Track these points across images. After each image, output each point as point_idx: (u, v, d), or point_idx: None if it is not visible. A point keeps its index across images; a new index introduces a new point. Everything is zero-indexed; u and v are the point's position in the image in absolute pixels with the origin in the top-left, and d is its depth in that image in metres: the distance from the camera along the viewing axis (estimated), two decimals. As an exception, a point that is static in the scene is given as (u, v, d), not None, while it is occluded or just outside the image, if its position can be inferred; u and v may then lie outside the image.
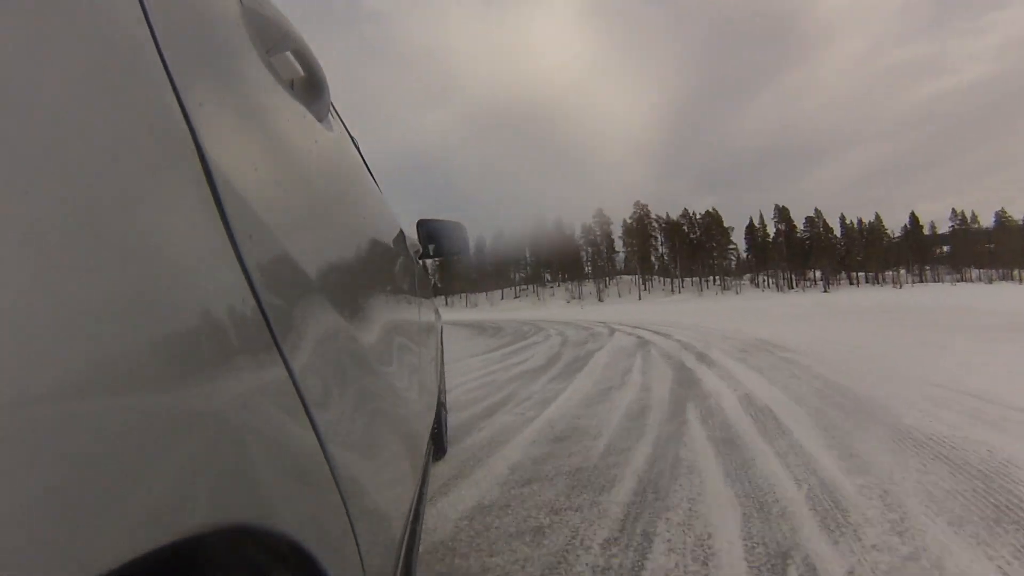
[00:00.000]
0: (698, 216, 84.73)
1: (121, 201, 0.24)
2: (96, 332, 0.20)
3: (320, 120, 0.69)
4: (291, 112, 0.55)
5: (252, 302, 0.33)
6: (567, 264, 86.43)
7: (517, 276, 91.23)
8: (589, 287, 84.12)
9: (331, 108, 0.85)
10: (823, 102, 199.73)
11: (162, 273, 0.25)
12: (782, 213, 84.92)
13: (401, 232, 1.37)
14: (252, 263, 0.34)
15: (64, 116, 0.22)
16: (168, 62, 0.30)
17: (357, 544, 0.44)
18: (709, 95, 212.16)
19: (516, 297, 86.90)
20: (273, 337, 0.35)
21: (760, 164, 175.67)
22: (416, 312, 1.34)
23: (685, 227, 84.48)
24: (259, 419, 0.31)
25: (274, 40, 0.53)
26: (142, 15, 0.29)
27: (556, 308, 47.73)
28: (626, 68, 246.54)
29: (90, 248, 0.21)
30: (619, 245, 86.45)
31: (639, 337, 8.51)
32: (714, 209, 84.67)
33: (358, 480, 0.49)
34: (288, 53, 0.58)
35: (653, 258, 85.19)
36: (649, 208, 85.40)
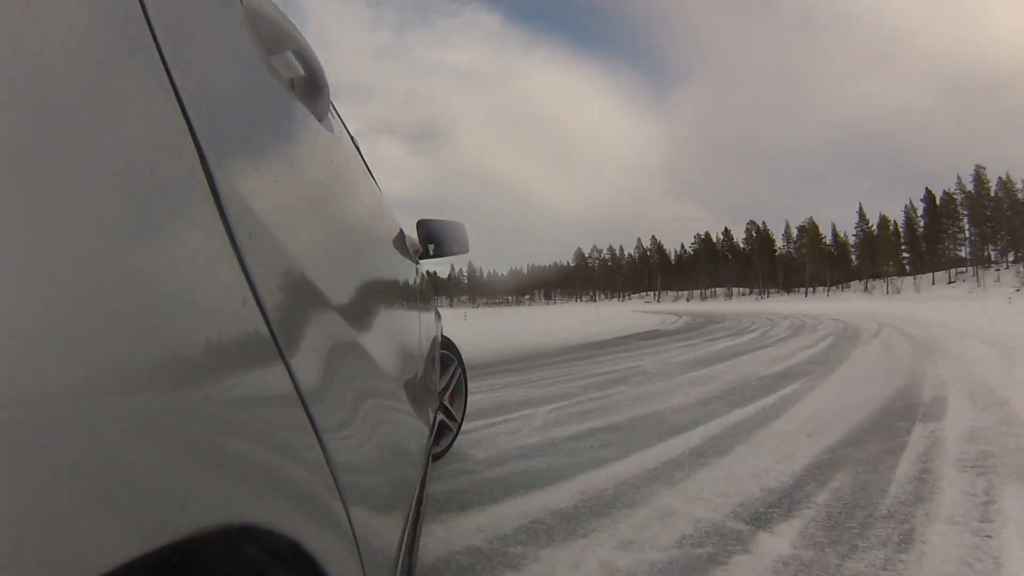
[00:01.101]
0: None
1: (120, 201, 0.24)
2: (95, 332, 0.20)
3: (320, 120, 0.69)
4: (291, 112, 0.55)
5: (252, 302, 0.33)
6: (1018, 238, 60.72)
7: (952, 252, 68.22)
8: (1050, 274, 59.42)
9: (331, 108, 0.85)
10: None
11: (161, 273, 0.25)
12: None
13: (401, 232, 1.39)
14: (252, 263, 0.34)
15: (64, 116, 0.22)
16: (168, 62, 0.30)
17: (357, 544, 0.44)
18: None
19: (950, 282, 65.64)
20: (273, 337, 0.35)
21: None
22: (416, 313, 1.34)
23: None
24: (258, 418, 0.31)
25: (274, 40, 0.54)
26: (142, 15, 0.29)
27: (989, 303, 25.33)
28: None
29: (89, 248, 0.21)
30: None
31: None
32: None
33: (358, 480, 0.49)
34: (288, 53, 0.58)
35: None
36: None
